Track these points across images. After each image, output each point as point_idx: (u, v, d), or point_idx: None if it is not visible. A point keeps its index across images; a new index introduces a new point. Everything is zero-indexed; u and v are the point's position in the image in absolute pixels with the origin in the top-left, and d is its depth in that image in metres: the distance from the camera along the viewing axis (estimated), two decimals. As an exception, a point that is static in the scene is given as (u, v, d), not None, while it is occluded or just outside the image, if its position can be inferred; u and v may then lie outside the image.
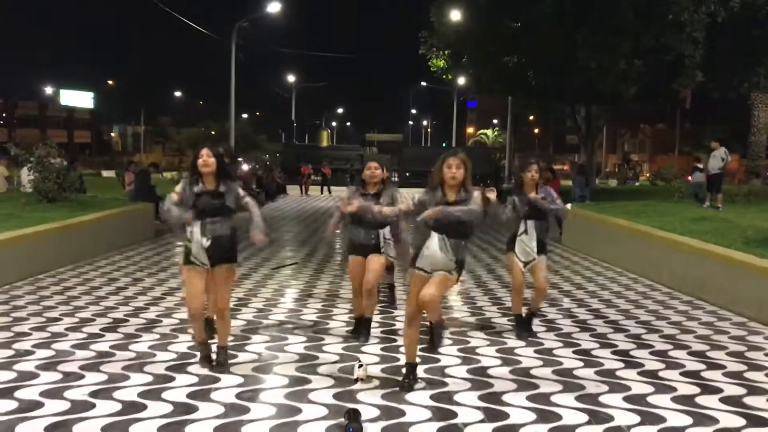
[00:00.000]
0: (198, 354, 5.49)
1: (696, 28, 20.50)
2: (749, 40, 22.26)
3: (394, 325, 6.91)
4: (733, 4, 20.96)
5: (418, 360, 5.12)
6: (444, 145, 77.33)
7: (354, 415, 4.19)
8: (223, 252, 5.21)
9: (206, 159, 5.16)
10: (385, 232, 6.23)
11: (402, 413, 4.49)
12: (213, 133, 55.31)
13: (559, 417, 4.47)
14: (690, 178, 19.76)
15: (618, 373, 5.44)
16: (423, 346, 5.41)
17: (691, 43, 20.69)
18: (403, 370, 5.06)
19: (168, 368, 5.33)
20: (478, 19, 22.97)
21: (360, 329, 6.33)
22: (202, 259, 5.21)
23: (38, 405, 4.50)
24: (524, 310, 6.68)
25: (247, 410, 4.50)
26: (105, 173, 39.69)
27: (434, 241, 4.85)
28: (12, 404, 4.50)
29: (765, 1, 21.64)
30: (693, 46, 20.74)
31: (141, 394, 4.73)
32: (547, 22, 21.17)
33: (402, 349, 5.83)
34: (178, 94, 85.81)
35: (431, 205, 4.86)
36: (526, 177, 6.42)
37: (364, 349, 5.99)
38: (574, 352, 6.04)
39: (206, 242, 5.15)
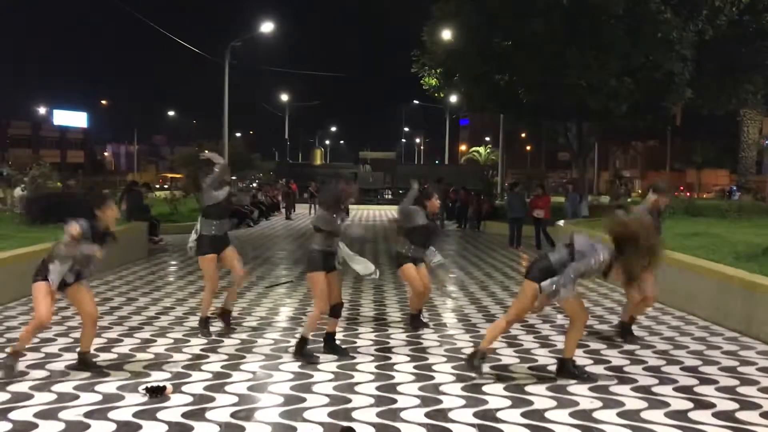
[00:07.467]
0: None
1: (685, 46, 20.73)
2: (737, 57, 22.53)
3: (388, 343, 6.93)
4: (721, 22, 21.25)
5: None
6: (437, 162, 77.63)
7: (349, 433, 4.20)
8: None
9: None
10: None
11: (397, 431, 4.50)
12: (207, 152, 55.26)
13: (553, 433, 4.49)
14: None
15: (611, 388, 5.47)
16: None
17: (680, 60, 20.90)
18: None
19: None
20: (470, 38, 23.17)
21: (416, 322, 7.61)
22: None
23: (32, 426, 4.49)
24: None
25: (242, 429, 4.50)
26: (98, 193, 39.51)
27: None
28: (6, 426, 4.49)
29: (751, 18, 21.95)
30: (682, 64, 20.96)
31: (136, 414, 4.73)
32: (537, 41, 21.38)
33: (396, 367, 5.89)
34: (171, 113, 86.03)
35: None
36: None
37: (359, 367, 6.00)
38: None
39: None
